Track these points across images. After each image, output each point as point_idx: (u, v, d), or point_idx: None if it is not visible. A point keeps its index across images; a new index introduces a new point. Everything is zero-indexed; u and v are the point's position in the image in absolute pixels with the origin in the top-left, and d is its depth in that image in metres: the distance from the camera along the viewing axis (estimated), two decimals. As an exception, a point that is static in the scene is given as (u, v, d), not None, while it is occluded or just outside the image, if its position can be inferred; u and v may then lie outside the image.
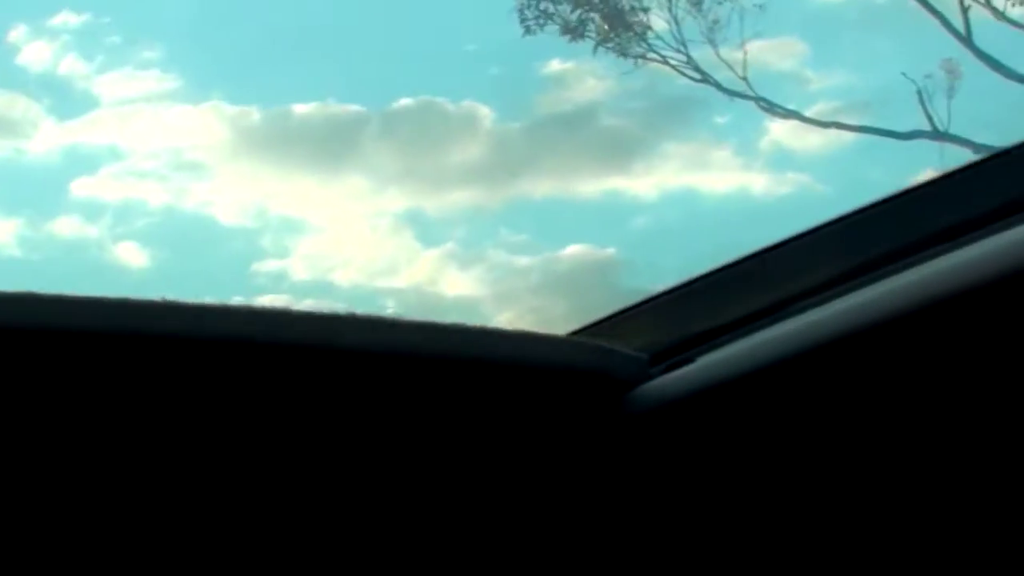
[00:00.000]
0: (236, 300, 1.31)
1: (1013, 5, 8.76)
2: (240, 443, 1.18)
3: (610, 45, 9.19)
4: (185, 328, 1.09)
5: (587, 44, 9.21)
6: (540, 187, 9.63)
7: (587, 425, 1.19)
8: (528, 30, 9.19)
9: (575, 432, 1.19)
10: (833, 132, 9.02)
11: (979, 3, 8.88)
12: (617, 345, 1.20)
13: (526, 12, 9.19)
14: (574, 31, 9.25)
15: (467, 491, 1.22)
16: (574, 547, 1.24)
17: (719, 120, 9.62)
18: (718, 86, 9.19)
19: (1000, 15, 8.90)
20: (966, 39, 8.90)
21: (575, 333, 1.29)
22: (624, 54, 9.20)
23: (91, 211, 10.01)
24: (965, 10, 8.87)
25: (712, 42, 9.16)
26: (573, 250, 9.15)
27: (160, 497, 1.17)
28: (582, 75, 9.55)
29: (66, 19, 9.01)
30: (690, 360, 1.19)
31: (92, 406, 1.13)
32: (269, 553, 1.20)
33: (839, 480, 1.16)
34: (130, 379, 1.12)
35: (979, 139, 8.56)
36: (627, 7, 9.26)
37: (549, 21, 9.22)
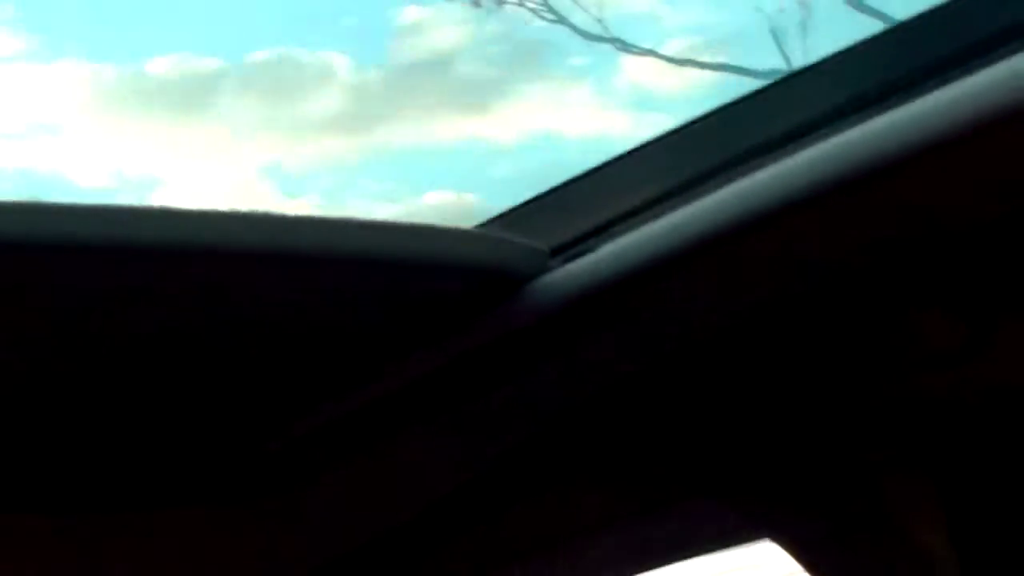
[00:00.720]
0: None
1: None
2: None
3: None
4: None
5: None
6: (400, 135, 9.53)
7: (485, 318, 1.14)
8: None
9: (472, 325, 1.15)
10: (695, 71, 9.03)
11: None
12: (516, 237, 1.15)
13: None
14: (427, -22, 9.18)
15: (361, 388, 1.18)
16: (475, 443, 1.20)
17: (577, 62, 9.58)
18: (574, 28, 9.17)
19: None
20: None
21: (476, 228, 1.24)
22: (478, 3, 9.16)
23: (-59, 175, 9.78)
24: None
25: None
26: (434, 198, 9.07)
27: None
28: (439, 22, 9.48)
29: (-90, -22, 8.78)
30: (591, 251, 1.14)
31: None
32: None
33: (748, 366, 1.13)
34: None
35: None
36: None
37: (402, -34, 9.13)
